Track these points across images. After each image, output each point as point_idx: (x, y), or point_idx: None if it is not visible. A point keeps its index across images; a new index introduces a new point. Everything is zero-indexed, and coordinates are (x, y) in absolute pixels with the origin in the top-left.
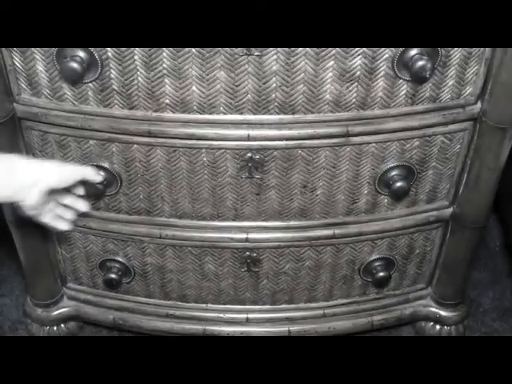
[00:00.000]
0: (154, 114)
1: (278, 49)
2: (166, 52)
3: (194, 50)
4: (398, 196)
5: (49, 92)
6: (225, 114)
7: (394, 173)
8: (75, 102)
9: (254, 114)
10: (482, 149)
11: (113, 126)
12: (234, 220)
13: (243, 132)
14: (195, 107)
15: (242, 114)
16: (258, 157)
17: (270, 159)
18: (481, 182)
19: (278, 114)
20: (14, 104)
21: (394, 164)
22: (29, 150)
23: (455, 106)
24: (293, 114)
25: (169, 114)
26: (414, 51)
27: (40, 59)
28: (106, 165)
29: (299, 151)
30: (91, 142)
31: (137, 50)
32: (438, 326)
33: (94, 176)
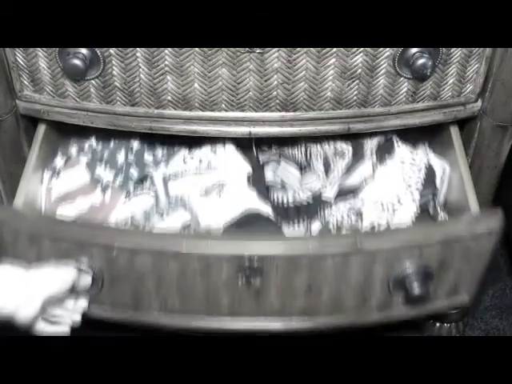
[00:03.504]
0: (156, 111)
1: None
2: (168, 49)
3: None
4: None
5: (51, 89)
6: (226, 111)
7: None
8: (77, 99)
9: (256, 111)
10: (483, 147)
11: (114, 122)
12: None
13: (245, 129)
14: (197, 104)
15: (243, 111)
16: (256, 265)
17: (269, 267)
18: (481, 179)
19: (280, 111)
20: (17, 101)
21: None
22: (30, 146)
23: (456, 103)
24: (294, 111)
25: (170, 111)
26: (415, 49)
27: (42, 56)
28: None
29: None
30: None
31: (139, 48)
32: (437, 324)
33: (85, 279)
